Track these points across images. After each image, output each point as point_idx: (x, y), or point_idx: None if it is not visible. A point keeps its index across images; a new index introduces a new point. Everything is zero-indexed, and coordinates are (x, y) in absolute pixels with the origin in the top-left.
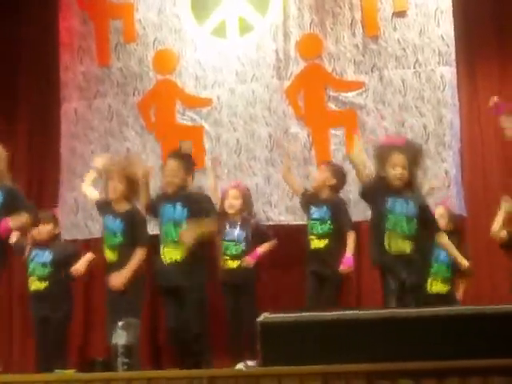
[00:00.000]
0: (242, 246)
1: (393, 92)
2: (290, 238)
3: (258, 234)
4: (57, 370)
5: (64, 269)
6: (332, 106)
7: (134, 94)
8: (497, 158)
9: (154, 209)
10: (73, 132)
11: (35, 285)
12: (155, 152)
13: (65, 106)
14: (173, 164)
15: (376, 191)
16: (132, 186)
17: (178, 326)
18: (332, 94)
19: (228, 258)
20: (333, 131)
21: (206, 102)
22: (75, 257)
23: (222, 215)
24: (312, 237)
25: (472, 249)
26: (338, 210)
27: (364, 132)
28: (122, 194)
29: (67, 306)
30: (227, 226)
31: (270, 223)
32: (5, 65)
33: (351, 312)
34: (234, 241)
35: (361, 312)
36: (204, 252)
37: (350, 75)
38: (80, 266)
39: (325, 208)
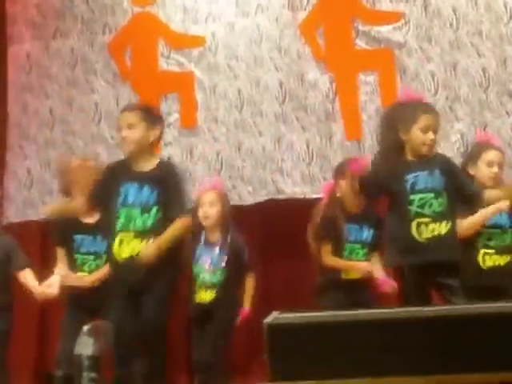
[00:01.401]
0: (221, 273)
1: (441, 25)
2: (309, 215)
3: (236, 259)
4: None
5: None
6: (362, 43)
7: (103, 33)
8: None
9: (102, 192)
10: (24, 82)
11: None
12: None
13: (13, 47)
14: (128, 115)
15: (389, 173)
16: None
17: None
18: (362, 28)
19: (202, 287)
20: (363, 77)
21: (198, 40)
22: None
23: (196, 227)
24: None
25: None
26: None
27: (404, 78)
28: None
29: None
30: (202, 244)
31: (282, 196)
32: None
33: (386, 311)
34: (211, 266)
35: (398, 310)
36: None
37: (385, 3)
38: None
39: (367, 227)
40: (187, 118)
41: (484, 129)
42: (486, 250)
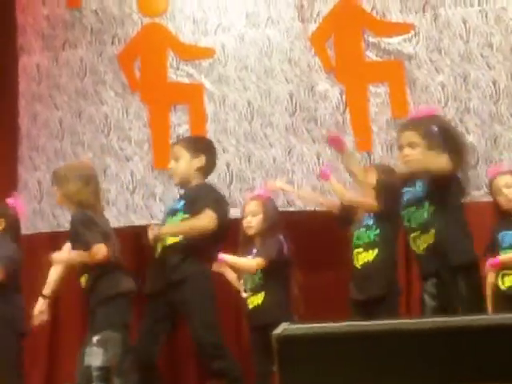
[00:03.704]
0: (258, 277)
1: (451, 37)
2: (319, 227)
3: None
4: None
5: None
6: (372, 55)
7: (112, 44)
8: None
9: None
10: (34, 93)
11: None
12: (141, 118)
13: (24, 58)
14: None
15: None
16: None
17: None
18: (372, 39)
19: (250, 294)
20: (373, 88)
21: (207, 52)
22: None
23: (244, 238)
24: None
25: None
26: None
27: (414, 89)
28: None
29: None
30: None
31: (292, 209)
32: None
33: (402, 321)
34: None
35: (409, 322)
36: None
37: (396, 15)
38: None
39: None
40: (197, 130)
41: (494, 141)
42: None
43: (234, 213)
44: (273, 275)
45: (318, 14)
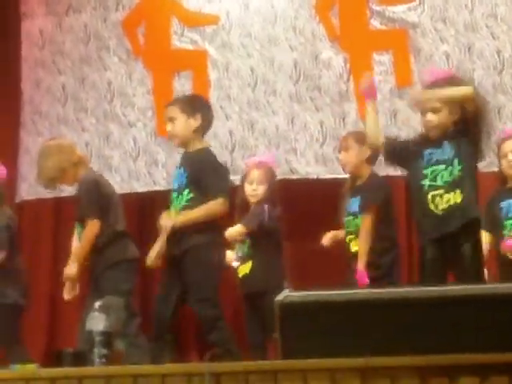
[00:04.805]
0: (246, 246)
1: (456, 6)
2: (321, 196)
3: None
4: (13, 366)
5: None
6: (376, 23)
7: (117, 10)
8: None
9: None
10: (37, 58)
11: None
12: (144, 84)
13: (27, 23)
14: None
15: (408, 147)
16: None
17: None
18: (376, 8)
19: (239, 263)
20: (377, 57)
21: (212, 19)
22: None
23: (243, 202)
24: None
25: None
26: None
27: (418, 58)
28: None
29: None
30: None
31: (295, 177)
32: None
33: (398, 290)
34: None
35: (410, 290)
36: None
37: None
38: None
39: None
40: None
41: (498, 111)
42: None
43: (235, 180)
44: (260, 244)
45: None
